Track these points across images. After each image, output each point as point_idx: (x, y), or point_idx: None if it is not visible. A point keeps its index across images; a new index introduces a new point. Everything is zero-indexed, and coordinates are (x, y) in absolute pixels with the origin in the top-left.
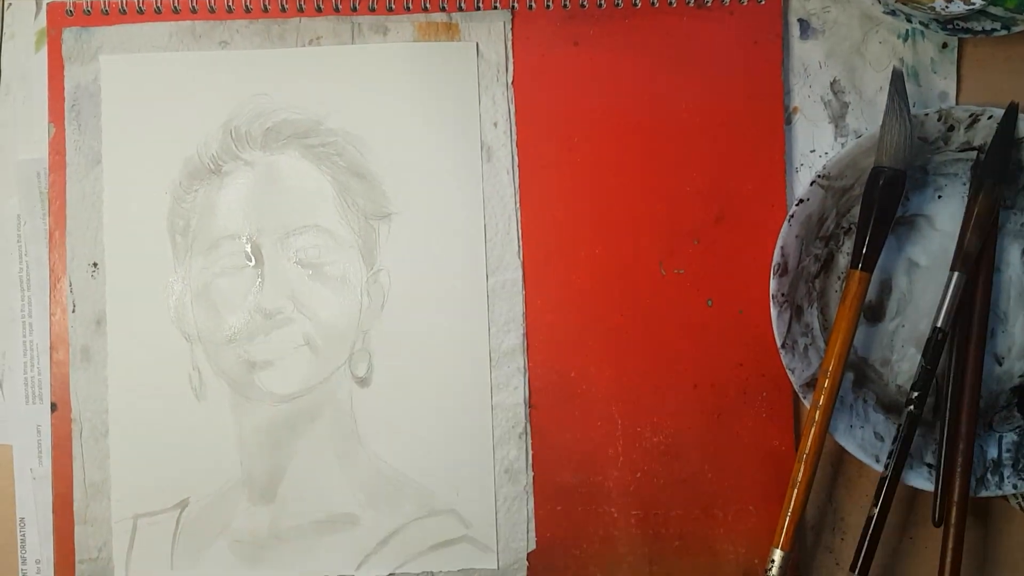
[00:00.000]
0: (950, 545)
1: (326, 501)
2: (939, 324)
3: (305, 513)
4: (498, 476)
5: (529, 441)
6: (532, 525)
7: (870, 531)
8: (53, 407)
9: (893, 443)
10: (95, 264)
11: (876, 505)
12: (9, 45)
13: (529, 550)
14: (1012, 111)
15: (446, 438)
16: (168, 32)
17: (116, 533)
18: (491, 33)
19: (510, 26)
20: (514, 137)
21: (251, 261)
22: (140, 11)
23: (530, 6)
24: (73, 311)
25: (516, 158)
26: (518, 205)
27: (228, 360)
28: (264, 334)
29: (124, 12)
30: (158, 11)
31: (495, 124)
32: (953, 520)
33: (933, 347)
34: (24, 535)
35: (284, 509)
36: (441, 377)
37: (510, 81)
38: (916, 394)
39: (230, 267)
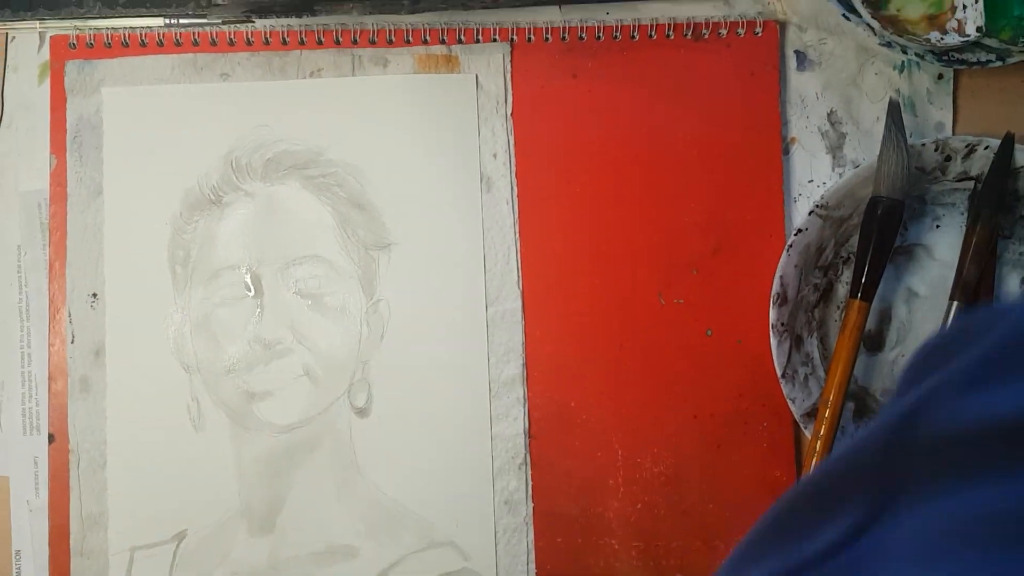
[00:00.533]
0: None
1: (325, 532)
2: None
3: (304, 544)
4: (498, 507)
5: (529, 472)
6: (532, 557)
7: None
8: (51, 438)
9: None
10: (95, 295)
11: None
12: (12, 77)
13: None
14: (1008, 141)
15: (445, 469)
16: (170, 64)
17: (113, 566)
18: (490, 65)
19: (509, 58)
20: (513, 168)
21: (251, 291)
22: (143, 44)
23: (529, 38)
24: (72, 342)
25: (515, 189)
26: (517, 236)
27: (227, 391)
28: (263, 364)
29: (126, 45)
30: (160, 44)
31: (495, 155)
32: None
33: None
34: (20, 567)
35: (283, 540)
36: (440, 407)
37: (509, 112)
38: None
39: (230, 297)
